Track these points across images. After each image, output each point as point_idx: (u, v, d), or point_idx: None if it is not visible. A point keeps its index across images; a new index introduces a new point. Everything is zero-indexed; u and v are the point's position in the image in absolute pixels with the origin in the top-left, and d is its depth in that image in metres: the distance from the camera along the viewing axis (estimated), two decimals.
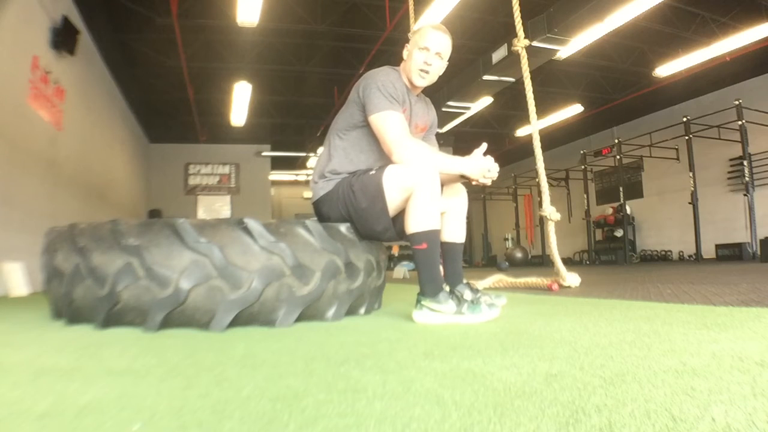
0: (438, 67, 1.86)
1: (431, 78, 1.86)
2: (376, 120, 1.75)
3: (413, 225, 1.68)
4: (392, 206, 1.74)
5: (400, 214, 1.78)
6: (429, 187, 1.66)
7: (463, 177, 1.82)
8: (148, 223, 1.59)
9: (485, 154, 1.78)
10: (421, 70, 1.83)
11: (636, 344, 1.08)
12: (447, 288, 1.68)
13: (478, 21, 8.01)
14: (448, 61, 1.90)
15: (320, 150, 2.06)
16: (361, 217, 1.79)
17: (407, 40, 1.93)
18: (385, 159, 1.88)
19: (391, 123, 1.73)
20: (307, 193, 15.97)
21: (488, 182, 1.77)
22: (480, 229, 15.53)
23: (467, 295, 1.90)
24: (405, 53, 1.90)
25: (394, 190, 1.71)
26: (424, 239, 1.66)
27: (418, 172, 1.67)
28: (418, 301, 1.67)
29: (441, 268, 1.87)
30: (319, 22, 7.69)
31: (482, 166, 1.74)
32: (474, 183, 1.79)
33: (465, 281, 2.01)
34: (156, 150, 12.43)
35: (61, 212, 5.39)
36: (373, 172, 1.78)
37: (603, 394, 0.70)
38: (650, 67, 8.96)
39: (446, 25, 1.94)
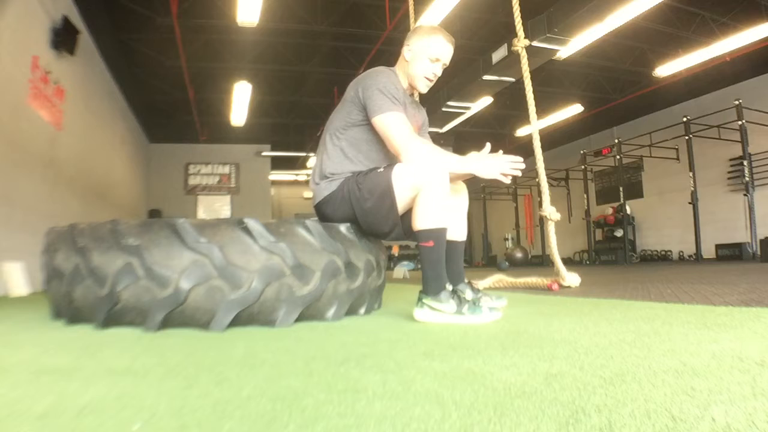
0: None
1: (431, 85, 1.90)
2: (382, 121, 1.74)
3: (420, 222, 1.68)
4: (401, 204, 1.74)
5: (407, 213, 1.78)
6: (438, 185, 1.67)
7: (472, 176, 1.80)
8: (148, 223, 1.59)
9: (492, 152, 1.77)
10: (428, 79, 1.86)
11: (636, 344, 1.08)
12: (450, 287, 1.68)
13: (478, 21, 8.01)
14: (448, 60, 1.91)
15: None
16: (368, 216, 1.78)
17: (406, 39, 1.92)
18: (384, 157, 1.87)
19: (397, 124, 1.73)
20: (308, 193, 15.97)
21: (508, 180, 1.73)
22: (480, 229, 15.53)
23: (468, 294, 1.90)
24: (407, 54, 1.87)
25: (403, 188, 1.70)
26: (431, 237, 1.67)
27: (427, 170, 1.67)
28: (420, 299, 1.67)
29: None
30: (319, 22, 7.69)
31: (493, 164, 1.71)
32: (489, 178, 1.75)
33: (466, 280, 2.01)
34: (156, 150, 12.43)
35: (61, 212, 5.39)
36: (381, 170, 1.77)
37: (603, 394, 0.70)
38: (650, 67, 8.96)
39: (446, 25, 1.96)
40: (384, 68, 1.87)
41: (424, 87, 1.88)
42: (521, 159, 1.74)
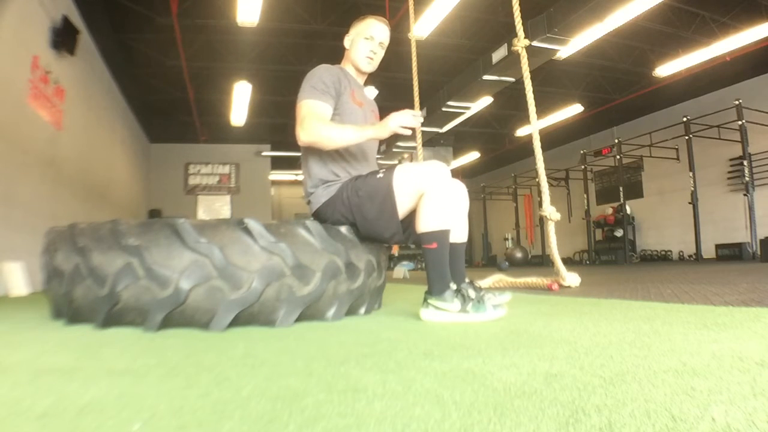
0: (380, 55, 2.02)
1: (375, 64, 2.02)
2: (299, 105, 1.82)
3: (424, 224, 1.68)
4: (402, 209, 1.74)
5: (408, 216, 1.78)
6: (441, 187, 1.67)
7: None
8: (148, 223, 1.59)
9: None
10: (368, 57, 1.98)
11: (636, 344, 1.08)
12: (454, 286, 1.69)
13: (478, 21, 8.01)
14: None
15: None
16: (368, 222, 1.78)
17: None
18: (356, 162, 1.89)
19: (307, 107, 1.79)
20: None
21: (407, 132, 1.75)
22: (480, 229, 15.53)
23: (471, 293, 1.91)
24: (347, 43, 2.02)
25: (405, 192, 1.71)
26: (435, 239, 1.67)
27: (429, 172, 1.68)
28: (425, 300, 1.68)
29: None
30: (319, 22, 7.69)
31: (394, 122, 1.72)
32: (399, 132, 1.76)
33: (468, 280, 2.01)
34: (156, 150, 12.44)
35: (61, 212, 5.39)
36: (381, 175, 1.77)
37: (603, 394, 0.70)
38: (650, 67, 8.96)
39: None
40: (324, 65, 1.94)
41: (366, 65, 1.99)
42: (420, 113, 1.81)
